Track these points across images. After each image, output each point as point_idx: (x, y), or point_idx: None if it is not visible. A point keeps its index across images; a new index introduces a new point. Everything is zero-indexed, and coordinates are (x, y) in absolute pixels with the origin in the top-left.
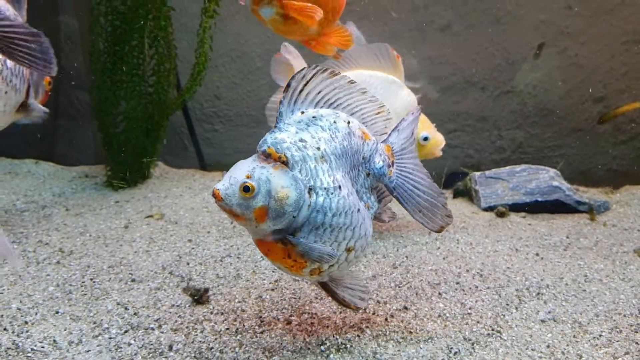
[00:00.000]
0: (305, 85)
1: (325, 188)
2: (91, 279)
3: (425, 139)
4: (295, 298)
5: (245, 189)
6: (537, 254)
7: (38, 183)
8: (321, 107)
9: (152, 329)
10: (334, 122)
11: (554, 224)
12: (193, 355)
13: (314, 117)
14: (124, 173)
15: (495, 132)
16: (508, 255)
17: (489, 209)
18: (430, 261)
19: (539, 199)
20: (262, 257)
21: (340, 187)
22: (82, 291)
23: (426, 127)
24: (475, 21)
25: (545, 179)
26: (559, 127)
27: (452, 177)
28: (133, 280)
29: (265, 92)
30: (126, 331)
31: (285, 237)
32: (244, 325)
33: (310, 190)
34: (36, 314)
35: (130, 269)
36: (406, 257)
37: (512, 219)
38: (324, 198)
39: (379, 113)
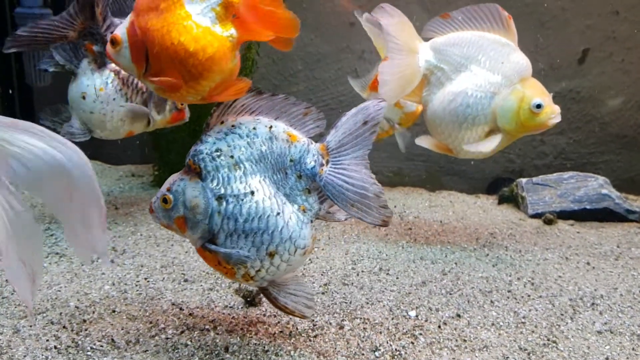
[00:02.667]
0: (235, 100)
1: (235, 195)
2: (145, 279)
3: (539, 106)
4: (346, 302)
5: (164, 200)
6: (588, 263)
7: None
8: (242, 115)
9: (208, 330)
10: (253, 128)
11: (604, 232)
12: (249, 357)
13: (232, 125)
14: (171, 173)
15: (538, 138)
16: (558, 264)
17: (537, 216)
18: (480, 268)
19: (588, 207)
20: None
21: (253, 192)
22: (137, 290)
23: (540, 94)
24: (519, 26)
25: (594, 186)
26: (604, 134)
27: (495, 182)
28: (186, 281)
29: (305, 95)
30: (182, 332)
31: (204, 244)
32: (297, 329)
33: (220, 198)
34: (93, 312)
35: (182, 269)
36: (455, 263)
37: (560, 227)
38: (233, 205)
39: (306, 114)
